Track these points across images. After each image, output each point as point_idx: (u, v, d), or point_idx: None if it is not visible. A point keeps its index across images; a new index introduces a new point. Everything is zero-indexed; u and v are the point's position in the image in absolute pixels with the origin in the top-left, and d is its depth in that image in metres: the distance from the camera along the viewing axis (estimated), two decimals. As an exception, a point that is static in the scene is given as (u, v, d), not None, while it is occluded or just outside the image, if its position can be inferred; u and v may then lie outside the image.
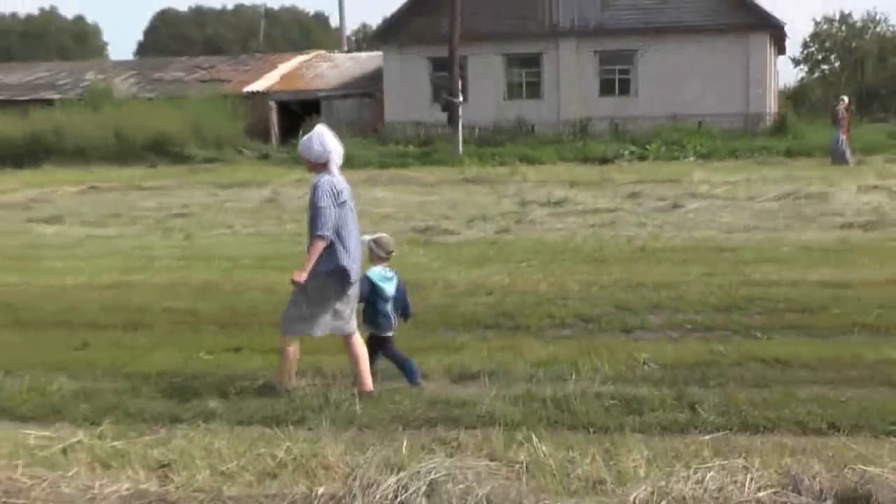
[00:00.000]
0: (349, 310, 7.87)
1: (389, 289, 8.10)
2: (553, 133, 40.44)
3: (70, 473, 5.94)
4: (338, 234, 7.66)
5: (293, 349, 7.89)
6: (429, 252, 15.34)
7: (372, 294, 8.04)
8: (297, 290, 7.75)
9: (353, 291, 7.86)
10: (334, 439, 6.50)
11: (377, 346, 8.16)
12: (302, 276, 7.57)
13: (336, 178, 7.73)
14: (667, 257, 14.14)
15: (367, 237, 8.16)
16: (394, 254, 8.29)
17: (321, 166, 7.78)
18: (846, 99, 32.47)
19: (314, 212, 7.60)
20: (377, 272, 8.10)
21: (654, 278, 12.28)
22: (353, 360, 7.91)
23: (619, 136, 39.23)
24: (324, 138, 7.77)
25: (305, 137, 7.88)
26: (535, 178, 26.94)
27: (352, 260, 7.73)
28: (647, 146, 36.62)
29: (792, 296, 11.01)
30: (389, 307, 8.13)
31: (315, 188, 7.68)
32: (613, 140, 38.48)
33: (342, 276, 7.71)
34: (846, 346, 8.94)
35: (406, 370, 8.13)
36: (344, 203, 7.72)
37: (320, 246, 7.58)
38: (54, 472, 5.98)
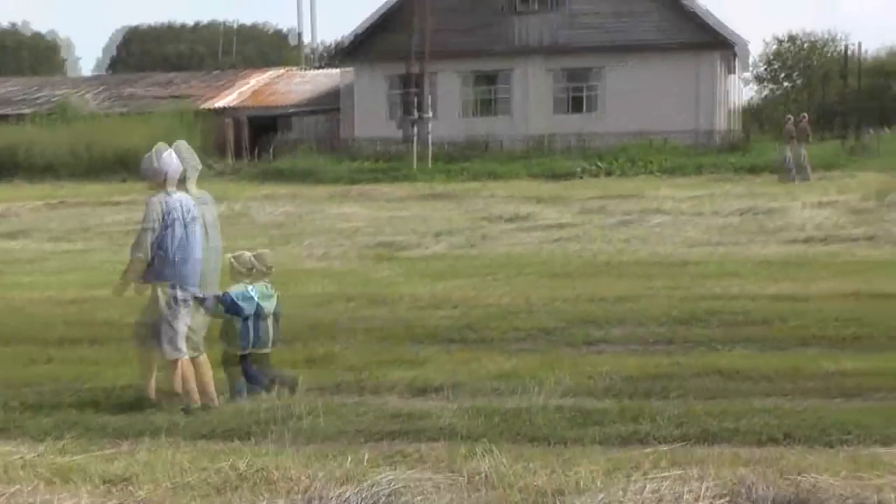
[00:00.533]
0: (183, 326, 7.87)
1: (268, 306, 8.13)
2: (520, 149, 40.63)
3: (29, 488, 5.91)
4: (168, 251, 7.72)
5: (176, 363, 7.90)
6: (396, 266, 15.42)
7: (232, 310, 8.03)
8: (148, 306, 7.88)
9: (189, 308, 7.89)
10: (296, 452, 6.52)
11: (232, 363, 8.19)
12: (119, 290, 7.97)
13: (172, 198, 7.78)
14: (630, 271, 14.28)
15: (249, 254, 8.21)
16: (273, 269, 8.32)
17: (159, 184, 7.83)
18: (805, 115, 32.92)
19: (139, 231, 7.76)
20: (240, 289, 8.10)
21: (617, 292, 12.40)
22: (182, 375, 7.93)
23: (585, 152, 39.41)
24: (161, 157, 7.81)
25: (146, 156, 7.91)
26: (502, 194, 27.09)
27: (185, 276, 7.79)
28: (612, 162, 36.84)
29: (752, 309, 11.16)
30: (251, 324, 8.11)
31: (146, 206, 7.78)
32: (579, 156, 38.68)
33: (174, 293, 7.78)
34: (804, 358, 9.08)
35: (252, 382, 8.17)
36: (186, 221, 7.77)
37: (137, 265, 7.78)
38: (13, 486, 5.96)
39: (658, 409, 7.48)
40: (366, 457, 6.32)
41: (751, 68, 65.34)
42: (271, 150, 42.35)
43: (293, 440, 6.97)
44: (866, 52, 62.55)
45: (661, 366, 8.89)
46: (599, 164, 36.72)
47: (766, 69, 69.36)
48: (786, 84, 69.28)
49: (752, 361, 8.95)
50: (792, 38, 69.36)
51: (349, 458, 6.27)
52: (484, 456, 6.28)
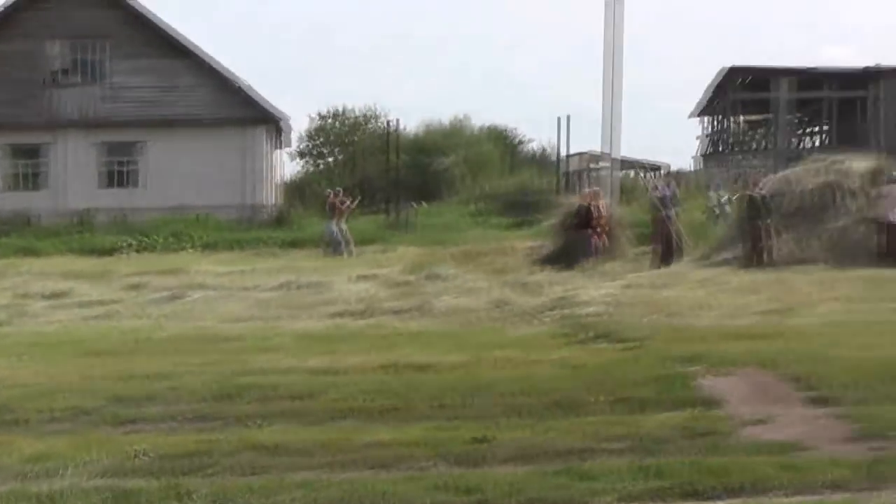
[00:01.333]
0: None
1: None
2: (57, 224, 39.33)
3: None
4: None
5: None
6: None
7: None
8: None
9: None
10: None
11: None
12: None
13: None
14: (169, 347, 14.13)
15: None
16: None
17: None
18: (340, 190, 34.10)
19: None
20: None
21: (153, 369, 12.21)
22: None
23: (129, 227, 38.75)
24: None
25: None
26: (38, 271, 26.09)
27: None
28: (156, 237, 36.49)
29: (289, 382, 11.26)
30: None
31: None
32: (118, 231, 37.96)
33: None
34: (339, 431, 9.25)
35: None
36: None
37: None
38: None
39: (195, 487, 7.45)
40: None
41: (296, 143, 66.91)
42: None
43: None
44: (405, 128, 65.53)
45: (198, 442, 8.81)
46: (143, 239, 36.23)
47: (309, 144, 71.05)
48: (329, 159, 71.19)
49: (290, 436, 9.04)
50: (335, 115, 71.43)
51: None
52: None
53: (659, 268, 23.77)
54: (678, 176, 39.92)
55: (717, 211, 34.98)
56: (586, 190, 29.01)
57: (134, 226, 38.66)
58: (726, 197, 35.96)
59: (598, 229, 25.98)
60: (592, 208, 26.23)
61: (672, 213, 26.23)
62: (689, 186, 47.76)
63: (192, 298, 19.52)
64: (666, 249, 25.47)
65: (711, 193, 38.44)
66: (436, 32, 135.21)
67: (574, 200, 29.53)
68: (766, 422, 9.32)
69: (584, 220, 25.96)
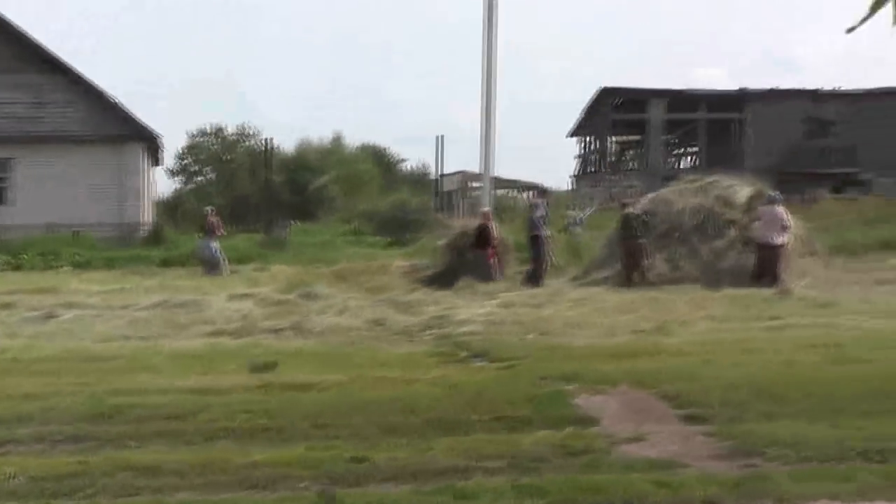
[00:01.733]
0: None
1: None
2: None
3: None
4: None
5: None
6: None
7: None
8: None
9: None
10: None
11: None
12: None
13: None
14: (39, 368, 13.79)
15: None
16: None
17: None
18: (213, 209, 33.93)
19: None
20: None
21: (24, 390, 11.94)
22: None
23: (-2, 245, 38.04)
24: None
25: None
26: None
27: None
28: (26, 256, 35.77)
29: (164, 403, 11.11)
30: None
31: None
32: (-9, 249, 37.22)
33: None
34: (215, 451, 9.16)
35: None
36: None
37: None
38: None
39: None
40: None
41: (174, 161, 66.32)
42: None
43: None
44: (279, 147, 65.43)
45: (72, 464, 8.65)
46: (14, 258, 35.50)
47: (185, 163, 70.57)
48: (204, 177, 70.77)
49: (166, 456, 8.91)
50: (209, 133, 71.07)
51: None
52: None
53: (532, 287, 23.94)
54: (548, 195, 40.33)
55: (572, 230, 35.65)
56: (484, 209, 29.06)
57: (4, 244, 37.81)
58: (580, 216, 36.67)
59: (495, 249, 26.19)
60: (491, 228, 26.39)
61: (546, 232, 26.48)
62: (561, 206, 48.40)
63: (65, 318, 19.13)
64: (538, 269, 25.68)
65: (570, 212, 39.13)
66: (312, 50, 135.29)
67: (467, 221, 29.81)
68: (642, 439, 9.47)
69: (482, 241, 26.08)
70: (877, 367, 12.63)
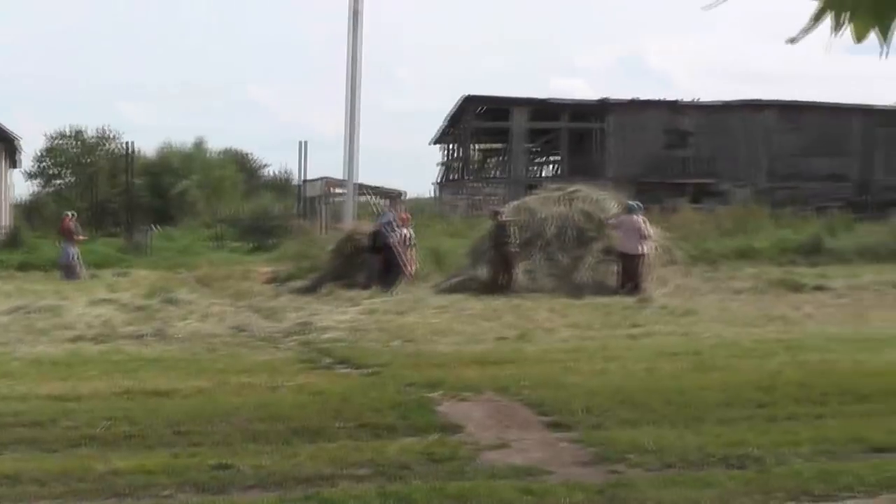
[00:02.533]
0: None
1: None
2: None
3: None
4: None
5: None
6: None
7: None
8: None
9: None
10: None
11: None
12: None
13: None
14: None
15: None
16: None
17: None
18: (74, 214, 33.36)
19: None
20: None
21: None
22: None
23: None
24: None
25: None
26: None
27: None
28: None
29: (22, 410, 10.93)
30: None
31: None
32: None
33: None
34: (76, 459, 9.03)
35: None
36: None
37: None
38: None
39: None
40: None
41: (31, 164, 64.92)
42: None
43: None
44: (140, 151, 64.49)
45: (-73, 474, 8.52)
46: None
47: (43, 165, 69.21)
48: (63, 180, 69.49)
49: (26, 464, 8.79)
50: (69, 135, 69.79)
51: None
52: None
53: (387, 292, 23.82)
54: (398, 203, 40.49)
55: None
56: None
57: None
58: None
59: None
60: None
61: (394, 239, 26.16)
62: (424, 213, 48.65)
63: (-83, 324, 18.62)
64: (388, 275, 25.50)
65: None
66: (173, 52, 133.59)
67: (357, 225, 29.70)
68: (507, 446, 9.60)
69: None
70: (735, 375, 13.02)
